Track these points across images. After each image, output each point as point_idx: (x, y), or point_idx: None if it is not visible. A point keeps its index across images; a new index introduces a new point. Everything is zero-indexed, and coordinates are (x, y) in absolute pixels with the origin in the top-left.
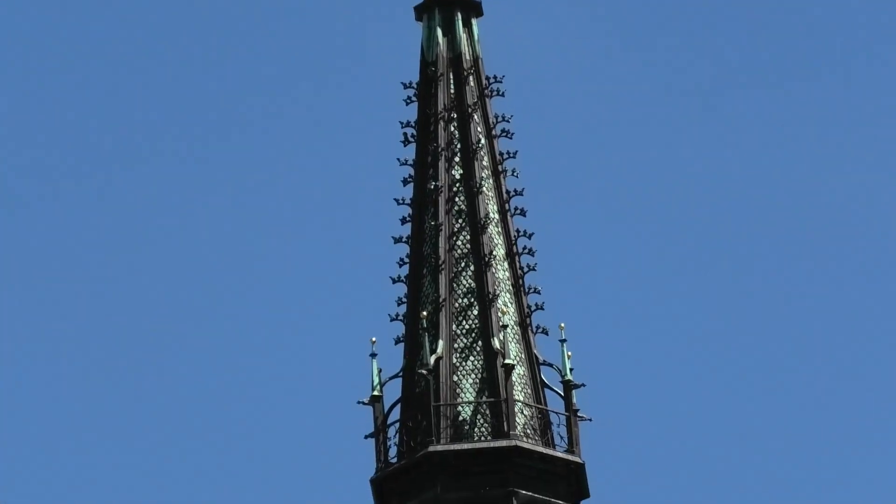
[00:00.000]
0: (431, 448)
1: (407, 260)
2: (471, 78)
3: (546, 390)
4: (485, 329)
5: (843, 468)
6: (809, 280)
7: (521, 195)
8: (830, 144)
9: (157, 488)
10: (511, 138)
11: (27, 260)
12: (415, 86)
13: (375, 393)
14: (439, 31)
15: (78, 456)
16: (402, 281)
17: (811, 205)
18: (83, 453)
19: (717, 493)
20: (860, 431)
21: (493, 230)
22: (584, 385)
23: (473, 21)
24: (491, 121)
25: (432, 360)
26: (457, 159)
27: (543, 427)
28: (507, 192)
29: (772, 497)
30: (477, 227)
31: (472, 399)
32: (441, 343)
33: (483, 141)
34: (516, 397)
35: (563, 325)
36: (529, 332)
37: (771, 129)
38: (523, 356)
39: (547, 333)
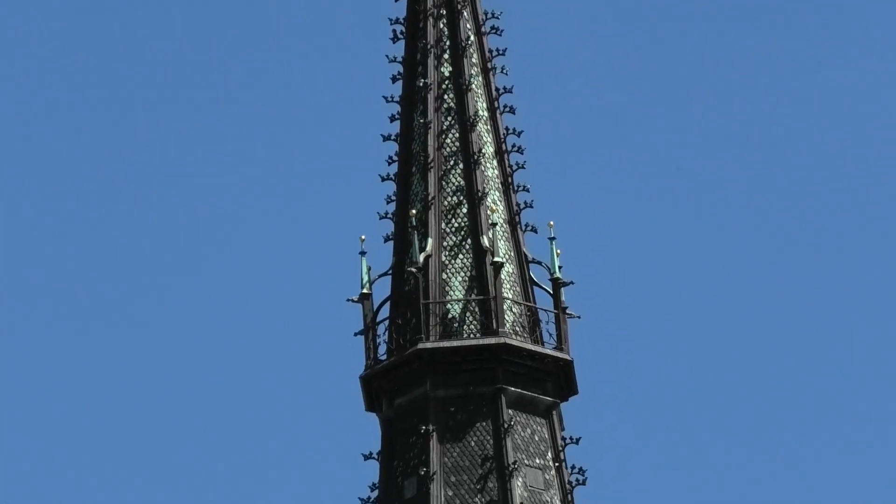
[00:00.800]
0: (421, 345)
1: (396, 158)
2: None
3: (535, 288)
4: (474, 227)
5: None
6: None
7: (511, 93)
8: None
9: (140, 389)
10: (500, 35)
11: None
12: None
13: (365, 291)
14: None
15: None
16: (391, 179)
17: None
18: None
19: (706, 389)
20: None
21: (483, 128)
22: (572, 283)
23: None
24: (480, 17)
25: (421, 258)
26: (446, 56)
27: (532, 325)
28: (497, 89)
29: (761, 395)
30: (466, 124)
31: (461, 297)
32: (430, 241)
33: (472, 38)
34: (505, 295)
35: (551, 223)
36: (518, 230)
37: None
38: (512, 254)
39: (536, 231)
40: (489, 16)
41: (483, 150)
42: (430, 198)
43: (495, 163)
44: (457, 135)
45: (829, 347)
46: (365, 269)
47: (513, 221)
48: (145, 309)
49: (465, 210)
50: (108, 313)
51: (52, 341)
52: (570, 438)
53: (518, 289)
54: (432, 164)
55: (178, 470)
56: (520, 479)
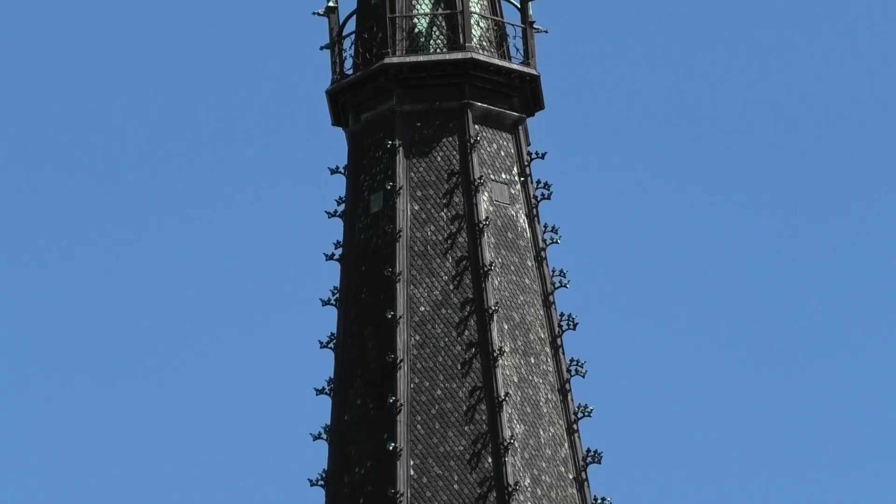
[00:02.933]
0: (387, 60)
1: None
2: None
3: (503, 2)
4: None
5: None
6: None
7: None
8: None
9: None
10: None
11: None
12: None
13: (331, 4)
14: None
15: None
16: None
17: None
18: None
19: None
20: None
21: None
22: None
23: None
24: None
25: None
26: None
27: (499, 40)
28: None
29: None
30: None
31: (428, 11)
32: None
33: None
34: (472, 9)
35: None
36: None
37: None
38: None
39: None
40: None
41: None
42: None
43: None
44: None
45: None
46: None
47: None
48: None
49: None
50: None
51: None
52: (536, 153)
53: (486, 3)
54: None
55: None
56: (485, 194)
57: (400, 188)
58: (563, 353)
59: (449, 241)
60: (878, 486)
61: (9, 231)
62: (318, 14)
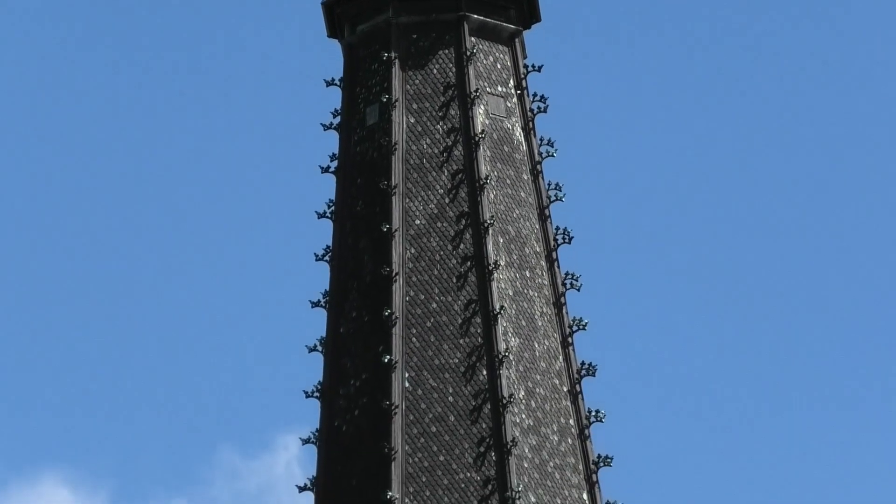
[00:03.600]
0: None
1: None
2: None
3: None
4: None
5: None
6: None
7: None
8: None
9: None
10: None
11: None
12: None
13: None
14: None
15: None
16: None
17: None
18: None
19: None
20: None
21: None
22: None
23: None
24: None
25: None
26: None
27: None
28: None
29: None
30: None
31: None
32: None
33: None
34: None
35: None
36: None
37: None
38: None
39: None
40: None
41: None
42: None
43: None
44: None
45: None
46: None
47: None
48: None
49: None
50: None
51: None
52: (533, 66)
53: None
54: None
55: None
56: (482, 107)
57: (396, 101)
58: (559, 267)
59: (445, 155)
60: None
61: None
62: None
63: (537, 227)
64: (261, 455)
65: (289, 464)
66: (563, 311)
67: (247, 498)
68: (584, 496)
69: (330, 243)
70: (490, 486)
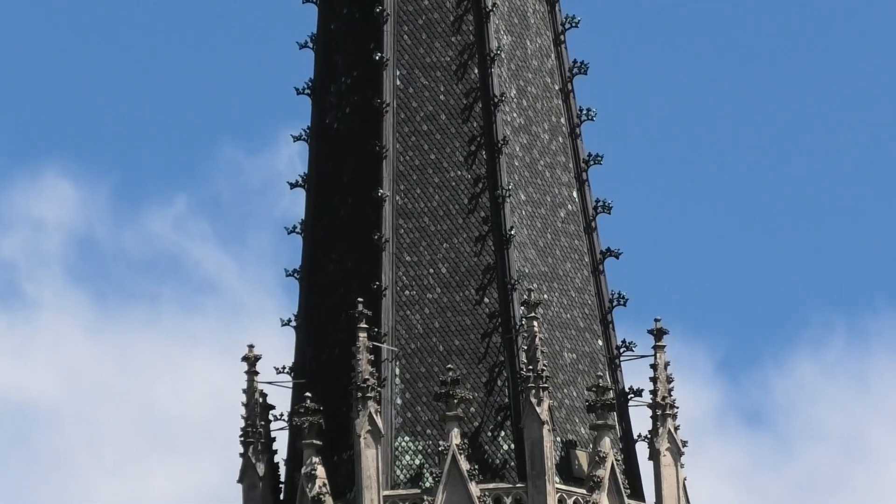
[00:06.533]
0: None
1: None
2: None
3: None
4: None
5: None
6: None
7: None
8: None
9: None
10: None
11: None
12: None
13: None
14: None
15: None
16: None
17: None
18: None
19: None
20: None
21: None
22: None
23: None
24: None
25: None
26: None
27: None
28: None
29: None
30: None
31: None
32: None
33: None
34: None
35: None
36: None
37: None
38: None
39: None
40: None
41: None
42: None
43: None
44: None
45: None
46: None
47: None
48: None
49: None
50: None
51: None
52: None
53: None
54: None
55: None
56: None
57: None
58: None
59: None
60: None
61: None
62: None
63: None
64: (262, 151)
65: (291, 159)
66: (556, 8)
67: (249, 194)
68: (574, 194)
69: None
70: (480, 185)
